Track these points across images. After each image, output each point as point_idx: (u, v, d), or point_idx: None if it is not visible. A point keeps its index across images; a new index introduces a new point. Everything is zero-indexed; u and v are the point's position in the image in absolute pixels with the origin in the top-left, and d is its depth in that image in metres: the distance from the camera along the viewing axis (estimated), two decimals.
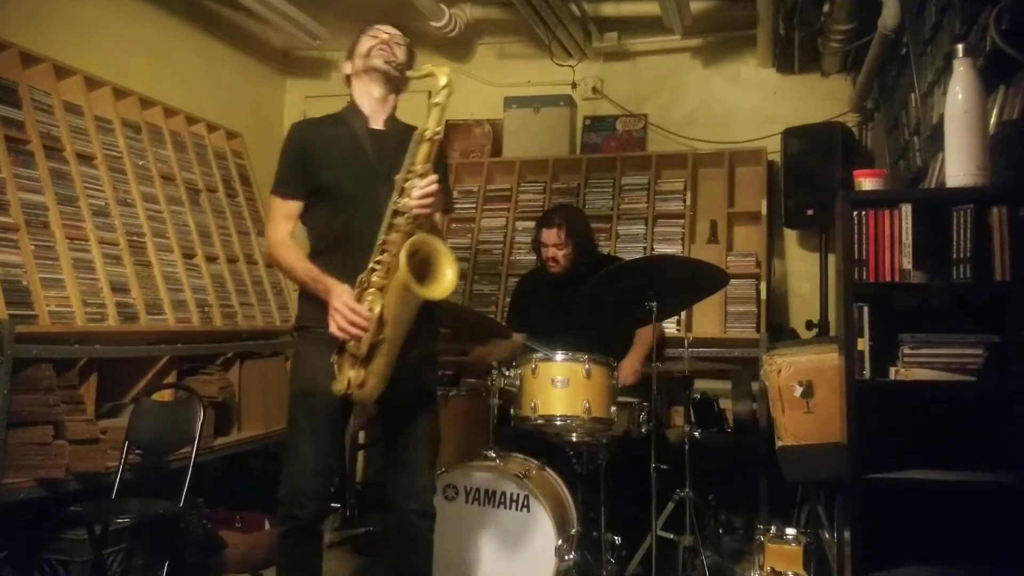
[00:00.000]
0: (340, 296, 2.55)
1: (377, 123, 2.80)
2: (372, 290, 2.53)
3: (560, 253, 4.07)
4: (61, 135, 3.84)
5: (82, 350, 3.60)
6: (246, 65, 5.75)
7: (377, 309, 2.50)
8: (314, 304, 2.67)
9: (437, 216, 2.75)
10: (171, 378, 4.11)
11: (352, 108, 2.83)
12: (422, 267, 2.51)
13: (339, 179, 2.71)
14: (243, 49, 5.68)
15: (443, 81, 2.55)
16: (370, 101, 2.80)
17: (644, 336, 3.83)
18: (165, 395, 3.98)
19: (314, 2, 5.14)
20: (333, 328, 2.54)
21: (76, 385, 3.55)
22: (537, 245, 4.20)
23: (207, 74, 5.32)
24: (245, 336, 4.63)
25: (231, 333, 4.54)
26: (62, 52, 4.06)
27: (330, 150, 2.74)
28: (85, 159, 3.95)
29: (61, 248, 3.62)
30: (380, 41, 2.76)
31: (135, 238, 4.06)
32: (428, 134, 2.55)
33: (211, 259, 4.57)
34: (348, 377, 2.55)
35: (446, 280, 2.50)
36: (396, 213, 2.54)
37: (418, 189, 2.52)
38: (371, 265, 2.56)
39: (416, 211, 2.52)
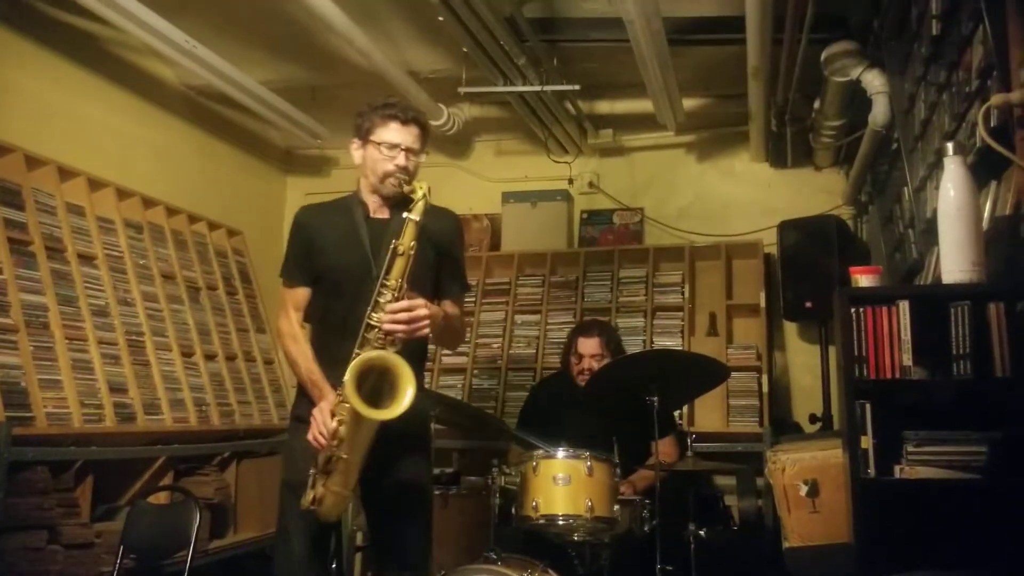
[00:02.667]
0: (320, 405, 2.57)
1: (379, 212, 2.79)
2: (344, 403, 2.49)
3: (598, 365, 3.98)
4: (63, 236, 3.88)
5: (78, 452, 3.57)
6: (248, 164, 5.84)
7: (333, 425, 2.47)
8: (309, 399, 2.69)
9: (451, 310, 2.80)
10: (167, 479, 4.06)
11: (356, 196, 2.82)
12: (381, 385, 2.47)
13: (335, 268, 2.73)
14: (245, 148, 5.78)
15: (418, 195, 2.54)
16: (374, 196, 2.81)
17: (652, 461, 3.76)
18: (161, 497, 3.93)
19: (315, 102, 5.25)
20: (309, 435, 2.54)
21: (72, 488, 3.52)
22: (568, 357, 4.15)
23: (209, 173, 5.40)
24: (242, 435, 4.60)
25: (228, 432, 4.50)
26: (66, 153, 4.14)
27: (330, 238, 2.76)
28: (86, 259, 3.98)
29: (60, 349, 3.62)
30: (396, 168, 2.69)
31: (134, 337, 4.07)
32: (401, 249, 2.52)
33: (210, 357, 4.57)
34: (313, 492, 2.52)
35: (403, 401, 2.42)
36: (369, 327, 2.52)
37: (388, 313, 2.50)
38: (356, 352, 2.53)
39: (387, 328, 2.51)
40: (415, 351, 2.70)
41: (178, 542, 3.60)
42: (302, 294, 2.80)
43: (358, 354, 2.49)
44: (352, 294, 2.67)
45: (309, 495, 2.52)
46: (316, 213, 2.85)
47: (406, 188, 2.61)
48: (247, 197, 5.77)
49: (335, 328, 2.71)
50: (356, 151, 2.80)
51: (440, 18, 3.90)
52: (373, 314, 2.52)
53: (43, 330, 3.59)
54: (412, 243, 2.52)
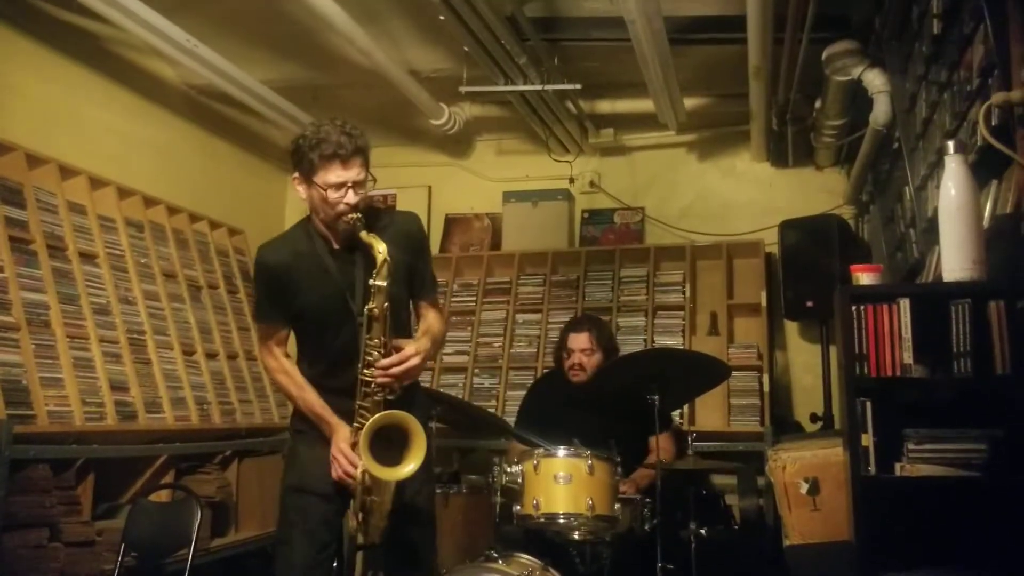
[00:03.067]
0: (337, 443, 2.65)
1: (337, 237, 2.73)
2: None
3: (587, 360, 4.03)
4: (64, 234, 3.88)
5: (80, 450, 3.57)
6: (249, 163, 5.84)
7: (358, 474, 2.61)
8: None
9: (436, 321, 2.86)
10: (168, 477, 4.06)
11: (312, 228, 2.76)
12: (388, 433, 2.58)
13: (313, 308, 2.73)
14: (246, 147, 5.78)
15: (380, 260, 2.56)
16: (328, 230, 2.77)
17: (653, 459, 3.76)
18: (162, 495, 3.93)
19: (316, 102, 5.25)
20: (334, 474, 2.65)
21: (73, 486, 3.52)
22: (560, 353, 4.17)
23: (210, 172, 5.40)
24: (244, 434, 4.60)
25: (229, 431, 4.51)
26: (67, 152, 4.14)
27: (300, 279, 2.72)
28: (88, 258, 3.98)
29: (61, 347, 3.62)
30: (347, 207, 2.61)
31: (135, 336, 4.07)
32: (377, 313, 2.58)
33: (211, 356, 4.57)
34: (359, 526, 2.70)
35: (416, 457, 2.56)
36: (363, 383, 2.61)
37: (380, 370, 2.58)
38: (357, 411, 2.64)
39: (382, 383, 2.60)
40: (403, 333, 2.78)
41: (179, 540, 3.60)
42: (283, 332, 2.82)
43: (361, 407, 2.61)
44: (334, 327, 2.71)
45: (355, 524, 2.69)
46: (278, 252, 2.77)
47: (364, 238, 2.59)
48: (248, 196, 5.77)
49: (323, 358, 2.77)
50: (299, 187, 2.70)
51: (441, 17, 3.90)
52: (365, 371, 2.60)
53: (44, 328, 3.59)
54: (385, 304, 2.58)
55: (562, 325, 4.43)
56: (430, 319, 2.87)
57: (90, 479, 3.63)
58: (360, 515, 2.66)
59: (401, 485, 2.65)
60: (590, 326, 4.13)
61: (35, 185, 3.83)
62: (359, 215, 2.60)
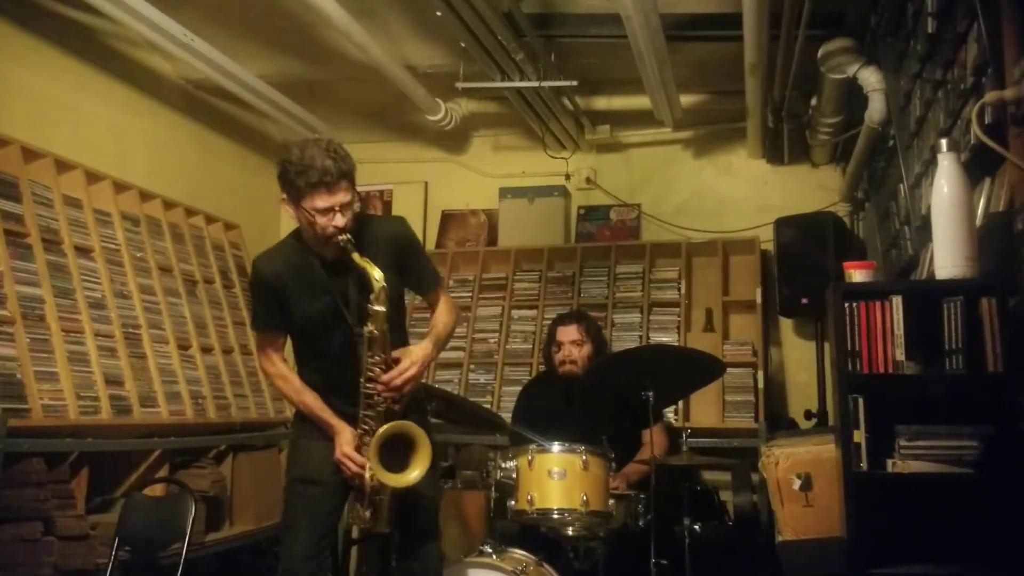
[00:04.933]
0: (341, 446, 2.75)
1: (330, 253, 2.78)
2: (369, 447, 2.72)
3: (578, 352, 4.04)
4: (60, 228, 3.88)
5: (74, 443, 3.57)
6: (245, 157, 5.83)
7: (367, 476, 2.73)
8: None
9: (443, 312, 2.96)
10: (163, 471, 4.06)
11: (303, 243, 2.81)
12: (397, 444, 2.71)
13: (307, 314, 2.80)
14: (242, 142, 5.77)
15: (377, 287, 2.67)
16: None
17: (645, 453, 3.77)
18: (156, 490, 3.93)
19: (312, 96, 5.25)
20: (347, 475, 2.77)
21: (67, 479, 3.52)
22: (550, 348, 4.17)
23: (207, 166, 5.40)
24: (239, 428, 4.60)
25: (225, 425, 4.51)
26: (63, 146, 4.13)
27: (298, 292, 2.80)
28: (83, 252, 3.98)
29: (56, 341, 3.62)
30: (336, 230, 2.65)
31: (131, 330, 4.07)
32: (376, 333, 2.69)
33: (206, 350, 4.57)
34: (362, 515, 2.81)
35: (421, 464, 2.71)
36: (367, 396, 2.72)
37: (383, 384, 2.70)
38: (361, 419, 2.75)
39: (384, 395, 2.71)
40: (398, 334, 2.88)
41: (173, 534, 3.60)
42: (279, 338, 2.93)
43: (365, 416, 2.72)
44: (329, 335, 2.80)
45: (360, 516, 2.80)
46: (273, 263, 2.83)
47: (358, 261, 2.66)
48: (244, 191, 5.76)
49: (320, 365, 2.86)
50: (287, 207, 2.75)
51: (438, 13, 3.90)
52: (368, 384, 2.70)
53: (39, 322, 3.59)
54: (384, 326, 2.69)
55: None
56: (438, 311, 2.98)
57: (84, 473, 3.63)
58: (371, 511, 2.78)
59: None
60: (578, 318, 4.15)
61: (31, 179, 3.82)
62: (348, 236, 2.67)
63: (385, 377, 2.69)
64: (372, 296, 2.66)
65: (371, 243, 2.75)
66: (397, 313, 2.87)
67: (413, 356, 2.76)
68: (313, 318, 2.79)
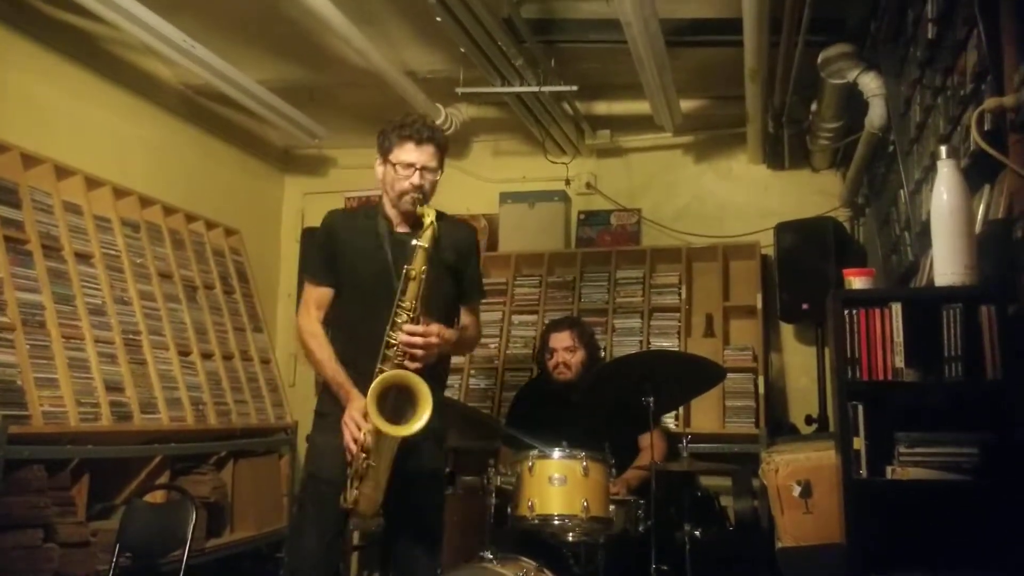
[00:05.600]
0: (350, 411, 2.71)
1: (401, 227, 2.92)
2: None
3: (571, 358, 4.04)
4: (60, 235, 3.88)
5: (74, 450, 3.57)
6: (245, 163, 5.84)
7: (362, 436, 2.65)
8: (332, 395, 2.84)
9: (473, 326, 3.04)
10: (164, 477, 4.07)
11: (381, 208, 2.96)
12: (402, 403, 2.64)
13: (358, 278, 2.87)
14: (243, 147, 5.78)
15: (427, 222, 2.71)
16: (395, 210, 2.93)
17: (644, 458, 3.77)
18: (157, 496, 3.93)
19: (313, 102, 5.25)
20: (343, 441, 2.72)
21: (68, 486, 3.52)
22: (543, 355, 4.17)
23: (207, 172, 5.40)
24: (239, 434, 4.60)
25: (225, 431, 4.51)
26: (63, 152, 4.14)
27: (355, 247, 2.90)
28: (83, 258, 3.98)
29: (56, 347, 3.62)
30: (411, 187, 2.81)
31: (131, 336, 4.07)
32: (413, 273, 2.68)
33: (207, 356, 4.57)
34: (351, 494, 2.69)
35: (422, 418, 2.60)
36: (388, 344, 2.69)
37: (404, 335, 2.67)
38: (376, 374, 2.68)
39: (403, 345, 2.67)
40: (438, 372, 2.90)
41: (174, 541, 3.59)
42: (326, 294, 2.93)
43: (381, 370, 2.65)
44: (372, 305, 2.79)
45: (347, 496, 2.69)
46: (343, 220, 3.01)
47: (418, 210, 2.75)
48: (245, 196, 5.77)
49: (354, 335, 2.86)
50: (378, 167, 2.93)
51: (438, 19, 3.90)
52: (391, 332, 2.68)
53: (39, 328, 3.59)
54: (423, 267, 2.68)
55: None
56: (467, 321, 3.05)
57: (85, 479, 3.64)
58: (354, 482, 2.70)
59: (402, 457, 2.70)
60: (570, 324, 4.15)
61: (31, 185, 3.83)
62: (420, 195, 2.79)
63: (408, 327, 2.67)
64: (419, 233, 2.70)
65: (441, 241, 2.80)
66: (438, 295, 2.87)
67: (439, 329, 2.77)
68: (364, 282, 2.85)
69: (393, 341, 2.68)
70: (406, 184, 2.81)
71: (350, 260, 2.89)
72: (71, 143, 4.31)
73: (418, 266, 2.68)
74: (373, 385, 2.60)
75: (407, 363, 2.68)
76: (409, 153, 2.83)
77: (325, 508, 2.78)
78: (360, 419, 2.68)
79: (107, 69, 4.60)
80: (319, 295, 2.93)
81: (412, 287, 2.69)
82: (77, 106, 4.43)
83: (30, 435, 3.35)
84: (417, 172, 2.81)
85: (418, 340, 2.68)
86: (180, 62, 4.23)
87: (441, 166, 2.90)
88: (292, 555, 2.86)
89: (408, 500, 2.80)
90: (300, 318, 2.98)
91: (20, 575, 3.22)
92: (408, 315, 2.69)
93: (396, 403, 2.65)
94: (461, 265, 2.98)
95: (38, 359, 3.52)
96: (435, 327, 2.75)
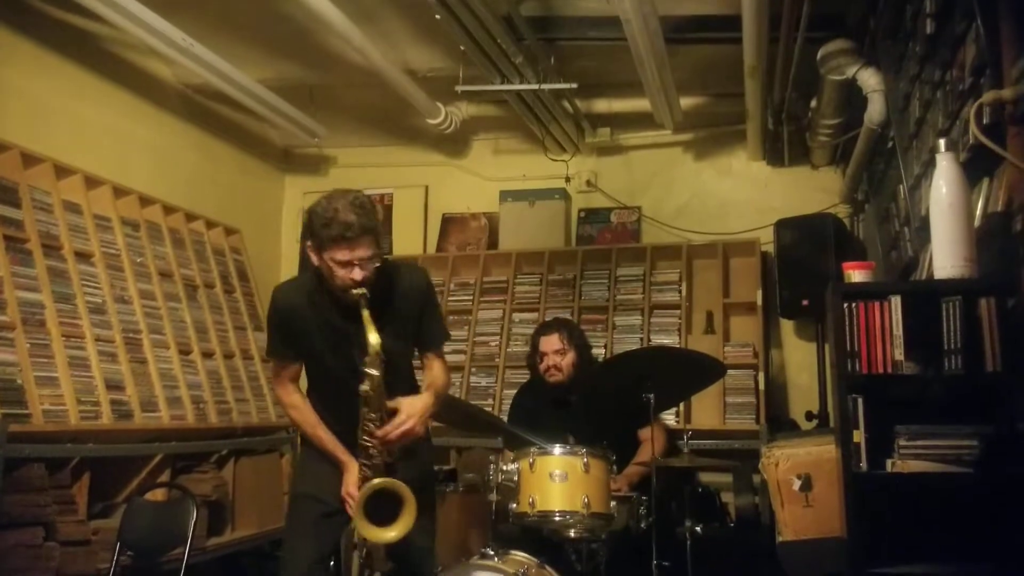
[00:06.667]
0: (347, 486, 2.78)
1: (346, 300, 2.78)
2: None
3: (562, 360, 4.02)
4: (60, 234, 3.89)
5: (75, 449, 3.57)
6: (246, 162, 5.84)
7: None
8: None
9: (441, 374, 2.95)
10: (165, 476, 4.07)
11: (323, 282, 2.80)
12: (384, 501, 2.68)
13: (320, 352, 2.83)
14: (243, 147, 5.79)
15: (372, 352, 2.64)
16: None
17: (644, 453, 3.78)
18: (158, 494, 3.93)
19: (313, 101, 5.26)
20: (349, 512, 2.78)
21: (68, 485, 3.52)
22: (534, 359, 4.16)
23: (207, 171, 5.41)
24: (240, 432, 4.60)
25: (226, 430, 4.51)
26: (63, 151, 4.14)
27: (310, 323, 2.82)
28: (83, 257, 3.99)
29: (57, 346, 3.62)
30: (353, 282, 2.65)
31: (131, 335, 4.07)
32: (372, 393, 2.66)
33: (207, 355, 4.57)
34: (359, 553, 2.84)
35: (404, 523, 2.65)
36: (364, 448, 2.71)
37: (379, 439, 2.68)
38: (360, 467, 2.75)
39: (380, 448, 2.70)
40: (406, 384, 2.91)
41: (175, 539, 3.60)
42: (295, 368, 2.94)
43: (363, 467, 2.72)
44: (340, 374, 2.80)
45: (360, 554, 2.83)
46: (292, 297, 2.86)
47: (365, 317, 2.64)
48: (245, 195, 5.78)
49: (326, 394, 2.90)
50: (311, 253, 2.76)
51: (437, 17, 3.91)
52: (365, 436, 2.70)
53: (40, 327, 3.60)
54: (380, 387, 2.66)
55: None
56: (435, 371, 2.96)
57: (85, 478, 3.64)
58: (364, 552, 2.80)
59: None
60: (559, 327, 4.12)
61: (30, 184, 3.83)
62: (364, 292, 2.67)
63: (380, 432, 2.68)
64: (367, 359, 2.65)
65: (394, 294, 2.79)
66: (407, 363, 2.91)
67: (411, 408, 2.73)
68: (326, 356, 2.82)
69: (367, 443, 2.70)
70: (347, 281, 2.66)
71: (310, 342, 2.83)
72: (71, 142, 4.31)
73: (374, 386, 2.65)
74: (359, 497, 2.64)
75: (389, 460, 2.72)
76: (344, 253, 2.64)
77: (315, 526, 2.84)
78: (355, 492, 2.72)
79: (107, 69, 4.60)
80: (290, 372, 2.94)
81: (373, 402, 2.68)
82: (77, 106, 4.43)
83: (30, 434, 3.35)
84: (355, 268, 2.65)
85: (393, 437, 2.69)
86: (180, 61, 4.24)
87: (379, 245, 2.72)
88: (284, 571, 2.87)
89: (398, 543, 2.79)
90: (277, 391, 3.03)
91: (21, 574, 3.22)
92: (375, 423, 2.69)
93: (379, 500, 2.67)
94: (415, 314, 2.89)
95: (38, 358, 3.52)
96: (403, 412, 2.71)
